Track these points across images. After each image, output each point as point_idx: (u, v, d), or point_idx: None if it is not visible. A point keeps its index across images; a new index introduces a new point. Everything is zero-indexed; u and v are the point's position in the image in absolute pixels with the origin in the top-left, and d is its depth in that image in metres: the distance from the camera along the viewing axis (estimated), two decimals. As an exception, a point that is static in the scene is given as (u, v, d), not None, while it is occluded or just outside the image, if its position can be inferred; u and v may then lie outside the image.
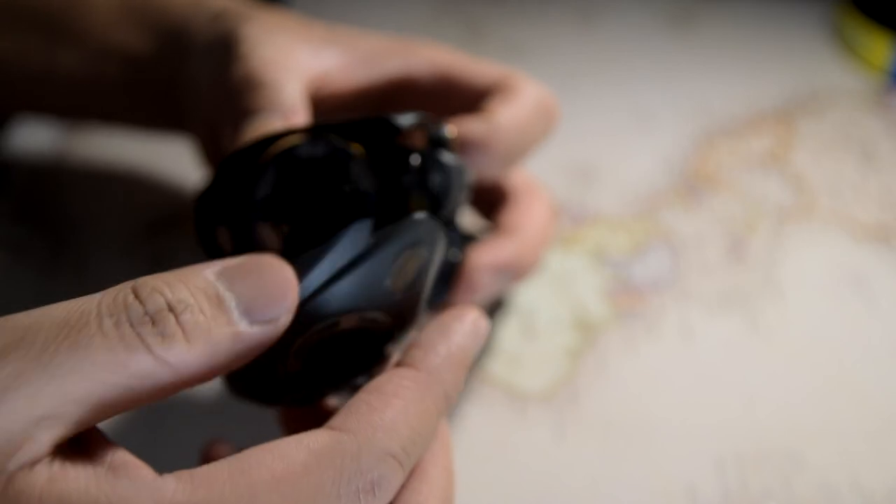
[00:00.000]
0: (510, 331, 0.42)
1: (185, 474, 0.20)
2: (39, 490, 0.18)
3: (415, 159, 0.28)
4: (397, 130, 0.28)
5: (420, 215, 0.27)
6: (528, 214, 0.38)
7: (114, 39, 0.39)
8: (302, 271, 0.24)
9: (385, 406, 0.22)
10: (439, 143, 0.30)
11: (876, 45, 0.58)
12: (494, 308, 0.41)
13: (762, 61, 0.60)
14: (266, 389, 0.26)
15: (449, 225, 0.31)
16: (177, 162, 0.51)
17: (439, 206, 0.29)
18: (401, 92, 0.37)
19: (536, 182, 0.40)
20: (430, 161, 0.29)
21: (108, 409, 0.20)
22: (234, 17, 0.36)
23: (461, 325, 0.25)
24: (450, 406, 0.24)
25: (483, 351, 0.41)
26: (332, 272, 0.24)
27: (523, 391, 0.39)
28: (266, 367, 0.24)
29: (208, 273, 0.22)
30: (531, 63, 0.59)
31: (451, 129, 0.31)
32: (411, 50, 0.37)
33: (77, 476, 0.19)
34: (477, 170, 0.35)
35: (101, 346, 0.19)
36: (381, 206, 0.27)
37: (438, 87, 0.37)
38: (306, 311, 0.24)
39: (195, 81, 0.37)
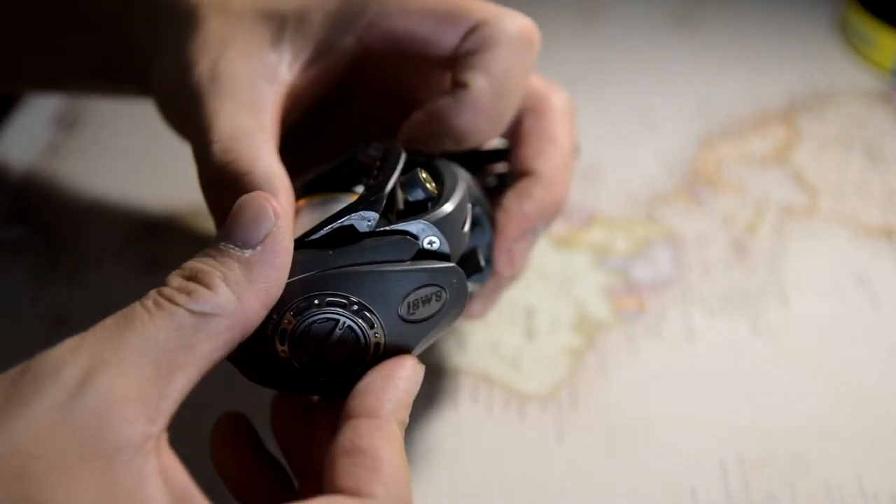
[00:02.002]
0: (511, 331, 0.42)
1: None
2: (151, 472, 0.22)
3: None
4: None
5: (458, 268, 0.29)
6: (543, 149, 0.35)
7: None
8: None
9: (378, 462, 0.25)
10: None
11: (882, 43, 0.57)
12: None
13: (765, 60, 0.60)
14: (262, 366, 0.28)
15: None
16: (174, 162, 0.50)
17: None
18: (362, 66, 0.36)
19: (544, 90, 0.36)
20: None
21: (186, 373, 0.23)
22: (178, 26, 0.34)
23: (403, 371, 0.28)
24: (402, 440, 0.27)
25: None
26: (359, 256, 0.27)
27: (523, 392, 0.39)
28: (262, 340, 0.27)
29: (211, 242, 0.26)
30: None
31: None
32: (363, 21, 0.34)
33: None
34: (467, 141, 0.34)
35: (152, 323, 0.23)
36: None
37: (402, 57, 0.35)
38: (313, 272, 0.27)
39: (159, 76, 0.36)
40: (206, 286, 0.24)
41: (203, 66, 0.33)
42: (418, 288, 0.28)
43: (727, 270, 0.45)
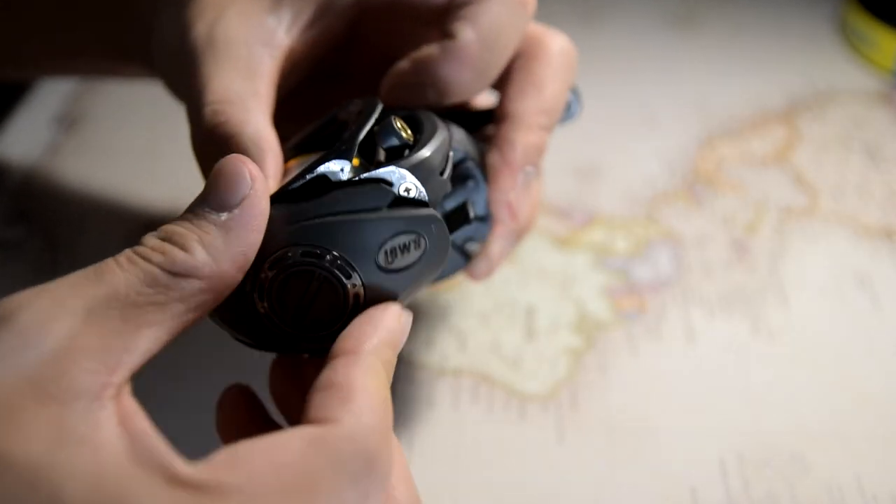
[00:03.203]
0: (511, 331, 0.42)
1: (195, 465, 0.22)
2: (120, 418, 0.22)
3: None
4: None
5: (436, 214, 0.28)
6: (525, 92, 0.35)
7: None
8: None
9: (351, 393, 0.24)
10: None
11: (882, 43, 0.57)
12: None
13: (766, 60, 0.60)
14: (246, 325, 0.28)
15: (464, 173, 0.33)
16: (175, 162, 0.51)
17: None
18: (359, 28, 0.36)
19: (541, 34, 0.36)
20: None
21: (154, 330, 0.23)
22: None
23: (386, 314, 0.27)
24: (391, 377, 0.27)
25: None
26: (334, 206, 0.27)
27: (523, 392, 0.39)
28: (242, 298, 0.27)
29: (188, 207, 0.26)
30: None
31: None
32: None
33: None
34: (450, 93, 0.33)
35: (123, 277, 0.23)
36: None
37: (398, 15, 0.35)
38: (288, 224, 0.27)
39: (159, 44, 0.36)
40: (182, 248, 0.24)
41: (200, 29, 0.33)
42: (395, 236, 0.27)
43: (727, 270, 0.45)
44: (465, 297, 0.43)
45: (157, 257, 0.24)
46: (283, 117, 0.33)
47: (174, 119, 0.45)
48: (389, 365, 0.26)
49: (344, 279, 0.27)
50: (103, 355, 0.22)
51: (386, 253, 0.27)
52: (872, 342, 0.41)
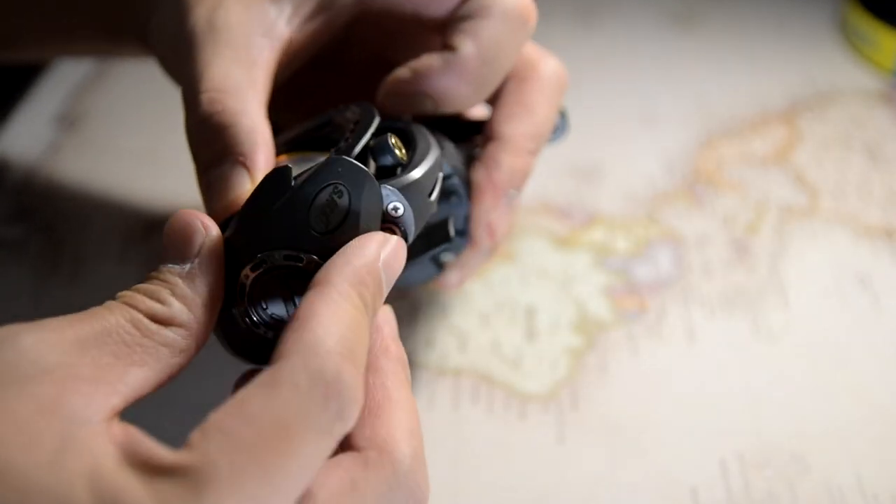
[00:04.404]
0: (511, 331, 0.42)
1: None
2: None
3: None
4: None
5: (334, 156, 0.28)
6: (515, 114, 0.35)
7: None
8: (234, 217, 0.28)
9: (306, 321, 0.24)
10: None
11: (882, 43, 0.57)
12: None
13: (766, 60, 0.60)
14: (233, 337, 0.28)
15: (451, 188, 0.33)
16: (175, 162, 0.50)
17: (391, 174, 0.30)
18: (358, 25, 0.36)
19: (534, 57, 0.36)
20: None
21: (143, 371, 0.24)
22: None
23: (355, 244, 0.27)
24: (373, 308, 0.26)
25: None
26: (253, 214, 0.27)
27: (523, 392, 0.39)
28: (227, 313, 0.27)
29: (154, 269, 0.27)
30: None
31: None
32: None
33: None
34: (446, 105, 0.33)
35: (113, 318, 0.24)
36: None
37: (398, 19, 0.35)
38: (234, 249, 0.27)
39: (158, 31, 0.36)
40: (158, 300, 0.25)
41: (201, 14, 0.33)
42: (313, 199, 0.27)
43: (727, 270, 0.45)
44: (465, 297, 0.43)
45: (141, 305, 0.25)
46: (273, 105, 0.33)
47: (174, 119, 0.45)
48: (364, 288, 0.26)
49: (295, 262, 0.27)
50: (98, 384, 0.23)
51: (319, 219, 0.27)
52: (872, 342, 0.41)
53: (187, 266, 0.26)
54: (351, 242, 0.27)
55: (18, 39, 0.44)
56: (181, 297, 0.26)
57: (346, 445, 0.26)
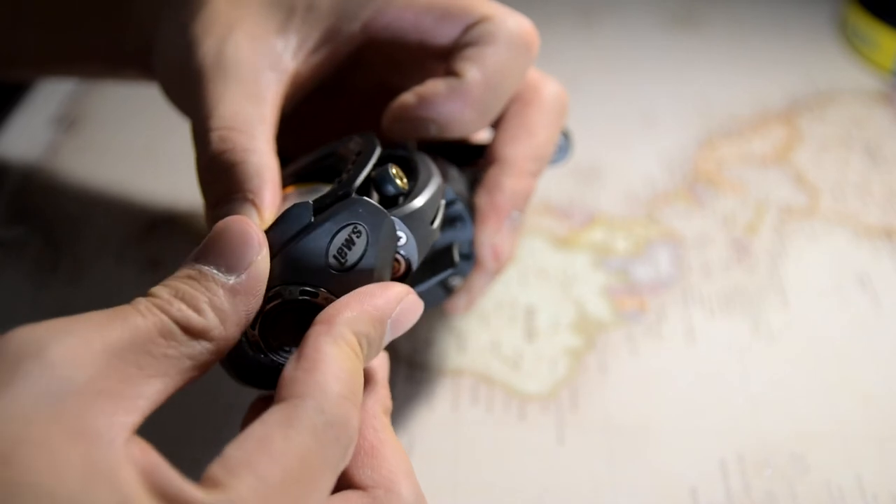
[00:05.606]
0: (511, 331, 0.42)
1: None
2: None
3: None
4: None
5: (356, 197, 0.28)
6: (517, 137, 0.35)
7: None
8: None
9: (316, 363, 0.24)
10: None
11: (882, 43, 0.57)
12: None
13: (766, 60, 0.60)
14: (239, 364, 0.28)
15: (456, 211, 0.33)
16: (174, 162, 0.51)
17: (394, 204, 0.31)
18: (363, 53, 0.36)
19: (537, 81, 0.36)
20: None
21: (164, 381, 0.24)
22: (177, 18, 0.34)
23: (377, 289, 0.27)
24: (368, 357, 0.27)
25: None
26: (272, 246, 0.27)
27: (523, 392, 0.39)
28: (241, 351, 0.27)
29: (188, 261, 0.26)
30: (533, 62, 0.59)
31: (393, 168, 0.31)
32: (369, 9, 0.35)
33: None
34: (451, 130, 0.34)
35: (143, 324, 0.24)
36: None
37: (403, 47, 0.35)
38: None
39: (160, 57, 0.36)
40: (195, 309, 0.24)
41: (208, 47, 0.33)
42: (333, 237, 0.28)
43: (727, 271, 0.45)
44: (465, 297, 0.43)
45: (176, 312, 0.24)
46: (279, 132, 0.33)
47: (174, 119, 0.45)
48: (365, 337, 0.26)
49: (312, 298, 0.28)
50: (120, 400, 0.22)
51: (335, 256, 0.28)
52: (872, 342, 0.41)
53: (232, 278, 0.25)
54: (370, 288, 0.27)
55: (17, 62, 0.44)
56: (219, 310, 0.25)
57: (343, 483, 0.26)
